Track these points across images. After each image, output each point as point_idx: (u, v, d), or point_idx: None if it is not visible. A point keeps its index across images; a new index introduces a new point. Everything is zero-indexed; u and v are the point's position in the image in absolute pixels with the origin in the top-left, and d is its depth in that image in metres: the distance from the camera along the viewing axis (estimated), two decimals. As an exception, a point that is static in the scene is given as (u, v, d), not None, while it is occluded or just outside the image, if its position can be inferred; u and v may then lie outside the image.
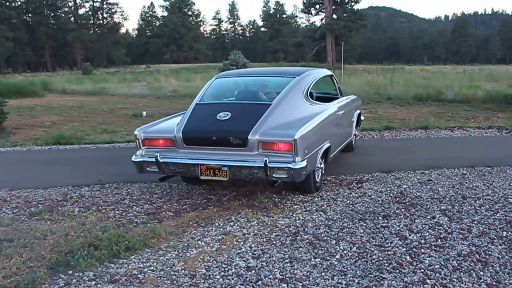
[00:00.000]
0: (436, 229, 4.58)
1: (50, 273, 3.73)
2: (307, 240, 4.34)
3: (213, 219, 4.93)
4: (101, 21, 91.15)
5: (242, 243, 4.31)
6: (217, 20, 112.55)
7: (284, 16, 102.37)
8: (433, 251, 4.07)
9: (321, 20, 68.87)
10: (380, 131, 10.45)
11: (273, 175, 4.98)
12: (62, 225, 4.79)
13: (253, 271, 3.73)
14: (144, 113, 14.32)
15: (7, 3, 77.13)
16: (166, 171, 5.37)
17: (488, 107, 14.98)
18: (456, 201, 5.45)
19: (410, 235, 4.44)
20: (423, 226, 4.68)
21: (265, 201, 5.50)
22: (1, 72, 62.54)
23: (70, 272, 3.77)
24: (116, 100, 20.08)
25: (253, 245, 4.25)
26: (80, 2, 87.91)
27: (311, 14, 71.25)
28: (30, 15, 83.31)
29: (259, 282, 3.54)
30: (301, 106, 5.82)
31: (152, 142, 5.47)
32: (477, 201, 5.44)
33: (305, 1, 69.90)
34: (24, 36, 75.71)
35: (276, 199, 5.58)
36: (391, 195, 5.72)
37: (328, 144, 5.90)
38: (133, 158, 5.46)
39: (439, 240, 4.32)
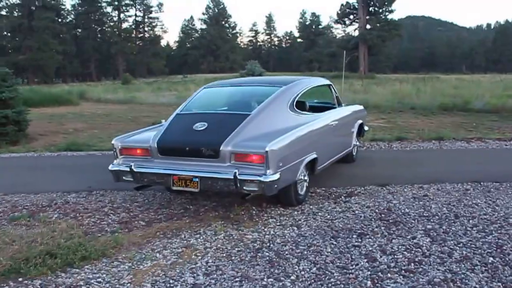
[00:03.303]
0: (413, 251, 4.25)
1: (0, 280, 3.72)
2: (267, 258, 4.14)
3: (181, 231, 4.82)
4: (142, 35, 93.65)
5: (200, 257, 4.17)
6: (254, 32, 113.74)
7: (320, 27, 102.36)
8: (401, 277, 3.75)
9: (355, 30, 68.40)
10: (390, 142, 10.05)
11: (244, 187, 4.82)
12: (35, 231, 4.77)
13: (198, 288, 3.59)
14: (163, 121, 14.37)
15: (59, 20, 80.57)
16: (140, 181, 5.31)
17: (519, 117, 14.25)
18: (446, 220, 5.08)
19: (381, 256, 4.14)
20: (399, 247, 4.35)
21: (241, 213, 5.34)
22: (52, 82, 65.62)
23: (20, 279, 3.75)
24: (143, 109, 20.40)
25: (210, 260, 4.10)
26: (124, 17, 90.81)
27: (345, 24, 70.78)
28: (79, 30, 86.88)
29: (199, 300, 3.40)
30: (284, 116, 5.65)
31: (129, 151, 5.44)
32: (471, 221, 5.03)
33: (339, 12, 69.56)
34: (72, 49, 79.02)
35: (254, 212, 5.41)
36: (377, 211, 5.43)
37: (314, 156, 5.70)
38: (110, 167, 5.44)
39: (412, 264, 3.99)
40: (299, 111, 5.95)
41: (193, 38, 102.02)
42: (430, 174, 7.10)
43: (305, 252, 4.26)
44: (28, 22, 71.65)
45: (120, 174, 5.34)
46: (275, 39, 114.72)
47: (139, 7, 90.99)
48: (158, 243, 4.49)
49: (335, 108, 7.11)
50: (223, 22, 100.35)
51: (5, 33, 75.61)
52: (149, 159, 5.30)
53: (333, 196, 6.07)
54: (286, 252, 4.26)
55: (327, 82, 7.28)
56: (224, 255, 4.22)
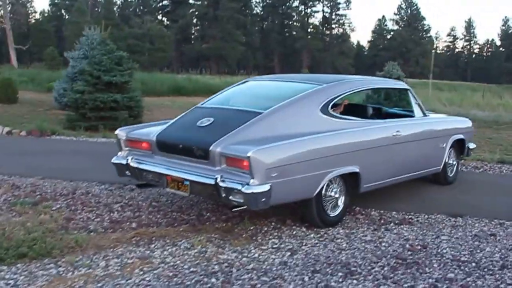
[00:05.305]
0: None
1: None
2: (210, 284, 3.38)
3: (160, 239, 4.24)
4: (329, 32, 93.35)
5: (142, 273, 3.56)
6: (452, 37, 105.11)
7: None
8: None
9: None
10: (503, 164, 7.88)
11: (230, 197, 4.05)
12: (16, 219, 4.55)
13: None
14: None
15: (246, 11, 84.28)
16: (139, 178, 4.83)
17: None
18: (484, 270, 3.72)
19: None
20: (384, 297, 3.23)
21: (250, 228, 4.54)
22: (236, 73, 68.43)
23: None
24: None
25: (148, 278, 3.47)
26: (310, 12, 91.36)
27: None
28: (265, 22, 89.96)
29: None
30: (310, 119, 4.67)
31: (134, 144, 4.95)
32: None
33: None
34: (256, 42, 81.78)
35: (266, 229, 4.57)
36: (408, 246, 4.21)
37: (354, 170, 4.67)
38: (112, 160, 5.03)
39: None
40: (337, 115, 4.93)
41: (385, 39, 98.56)
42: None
43: (260, 286, 3.38)
44: (213, 11, 74.50)
45: (121, 168, 4.92)
46: (475, 46, 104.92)
47: (326, 2, 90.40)
48: (118, 250, 3.99)
49: (412, 117, 5.83)
50: (416, 25, 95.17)
51: (194, 20, 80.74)
52: (150, 155, 4.79)
53: (382, 221, 4.92)
54: (240, 282, 3.44)
55: (403, 86, 6.04)
56: (171, 274, 3.55)
